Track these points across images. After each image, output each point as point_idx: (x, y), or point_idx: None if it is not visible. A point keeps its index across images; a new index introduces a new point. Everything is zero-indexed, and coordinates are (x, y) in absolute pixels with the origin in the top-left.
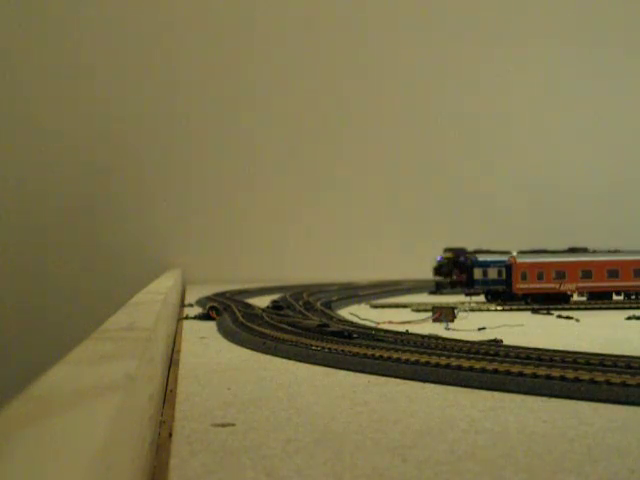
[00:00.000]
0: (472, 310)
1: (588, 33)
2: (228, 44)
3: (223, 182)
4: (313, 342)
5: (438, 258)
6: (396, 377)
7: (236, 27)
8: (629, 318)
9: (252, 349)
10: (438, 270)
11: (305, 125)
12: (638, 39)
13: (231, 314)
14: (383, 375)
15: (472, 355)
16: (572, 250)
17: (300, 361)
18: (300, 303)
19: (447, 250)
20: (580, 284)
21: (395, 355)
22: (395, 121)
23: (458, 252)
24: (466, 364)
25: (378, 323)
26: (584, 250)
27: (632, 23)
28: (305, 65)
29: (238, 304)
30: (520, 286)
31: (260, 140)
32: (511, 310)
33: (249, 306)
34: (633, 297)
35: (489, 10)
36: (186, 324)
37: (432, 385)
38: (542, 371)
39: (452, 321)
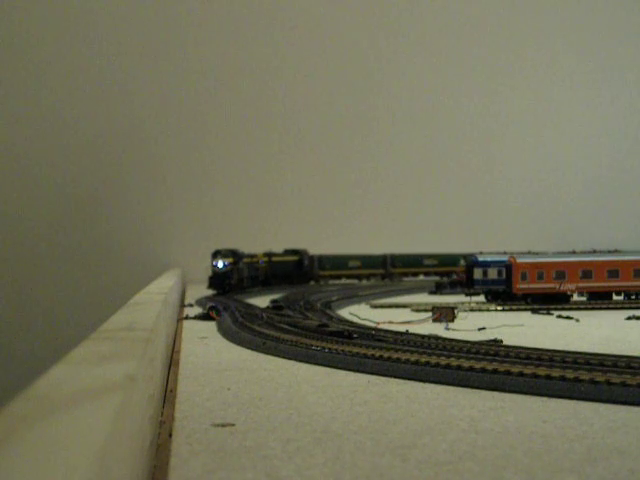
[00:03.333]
0: (472, 310)
1: (586, 41)
2: (228, 50)
3: (223, 184)
4: (313, 342)
5: (220, 265)
6: (396, 377)
7: (237, 31)
8: (629, 318)
9: (252, 349)
10: (218, 279)
11: (303, 132)
12: (633, 45)
13: (231, 314)
14: (383, 375)
15: (472, 355)
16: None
17: (300, 361)
18: (300, 303)
19: (222, 253)
20: (580, 284)
21: (395, 355)
22: (395, 127)
23: (238, 255)
24: (466, 364)
25: (378, 323)
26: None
27: (628, 29)
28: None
29: (238, 304)
30: (520, 286)
31: (261, 145)
32: (511, 310)
33: (249, 306)
34: (633, 297)
35: (488, 17)
36: (186, 324)
37: (432, 385)
38: (542, 371)
39: (452, 321)
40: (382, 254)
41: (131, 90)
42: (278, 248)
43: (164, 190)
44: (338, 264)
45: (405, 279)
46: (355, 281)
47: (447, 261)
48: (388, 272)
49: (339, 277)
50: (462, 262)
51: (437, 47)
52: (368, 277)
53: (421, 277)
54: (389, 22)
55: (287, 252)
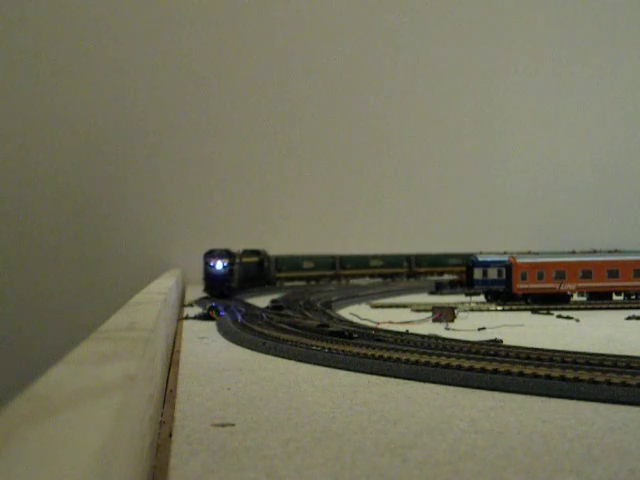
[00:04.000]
0: (472, 310)
1: (587, 38)
2: (222, 50)
3: (223, 184)
4: (313, 342)
5: (218, 266)
6: (396, 377)
7: (235, 33)
8: (629, 318)
9: (252, 349)
10: (216, 282)
11: (301, 132)
12: (635, 44)
13: (231, 314)
14: (383, 375)
15: (472, 355)
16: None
17: (300, 361)
18: (300, 303)
19: (218, 254)
20: (580, 284)
21: (395, 355)
22: (384, 124)
23: (232, 255)
24: (466, 364)
25: (378, 323)
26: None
27: (629, 28)
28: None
29: (238, 304)
30: (520, 286)
31: (260, 146)
32: (511, 310)
33: (249, 306)
34: (633, 297)
35: (487, 15)
36: (186, 324)
37: (432, 385)
38: (542, 371)
39: (452, 321)
40: (332, 254)
41: (131, 93)
42: (241, 248)
43: (164, 190)
44: (294, 265)
45: (353, 281)
46: (305, 283)
47: (392, 262)
48: (337, 273)
49: (293, 279)
50: (405, 264)
51: (435, 45)
52: (318, 279)
53: (367, 279)
54: (386, 21)
55: (246, 252)
